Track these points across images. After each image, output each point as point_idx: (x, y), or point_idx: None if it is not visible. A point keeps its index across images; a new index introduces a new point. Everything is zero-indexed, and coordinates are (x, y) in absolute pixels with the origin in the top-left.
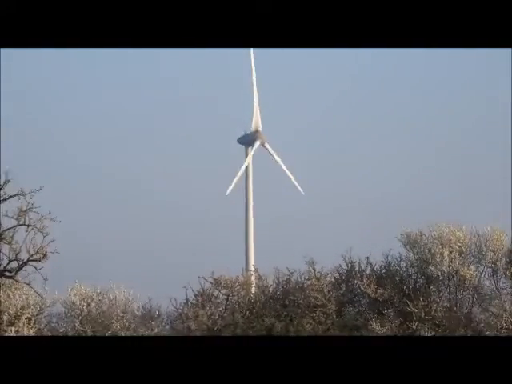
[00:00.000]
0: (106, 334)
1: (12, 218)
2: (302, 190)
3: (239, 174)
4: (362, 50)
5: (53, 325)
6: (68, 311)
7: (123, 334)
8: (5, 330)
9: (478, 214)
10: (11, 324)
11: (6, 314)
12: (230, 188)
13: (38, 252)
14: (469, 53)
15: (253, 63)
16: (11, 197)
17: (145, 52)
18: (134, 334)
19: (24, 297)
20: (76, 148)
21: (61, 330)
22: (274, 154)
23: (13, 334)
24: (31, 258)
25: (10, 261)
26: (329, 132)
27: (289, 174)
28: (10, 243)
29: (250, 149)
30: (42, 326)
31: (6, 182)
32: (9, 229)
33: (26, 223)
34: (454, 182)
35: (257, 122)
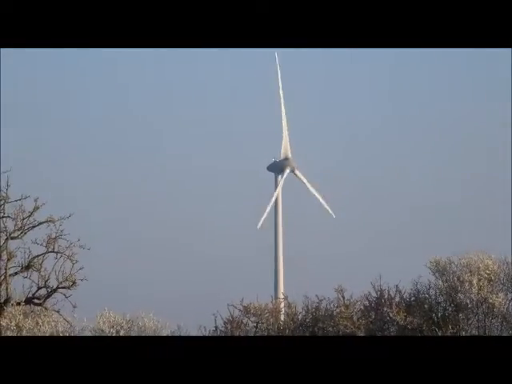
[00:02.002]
0: None
1: (41, 245)
2: (333, 214)
3: (270, 204)
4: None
5: None
6: None
7: None
8: None
9: (506, 242)
10: None
11: None
12: (262, 220)
13: (67, 279)
14: (469, 53)
15: (280, 87)
16: (41, 223)
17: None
18: None
19: (53, 324)
20: (103, 174)
21: None
22: (305, 181)
23: None
24: (60, 286)
25: (39, 288)
26: (358, 156)
27: (320, 199)
28: (38, 270)
29: (280, 177)
30: None
31: (36, 208)
32: (38, 256)
33: (55, 250)
34: (483, 210)
35: (286, 148)
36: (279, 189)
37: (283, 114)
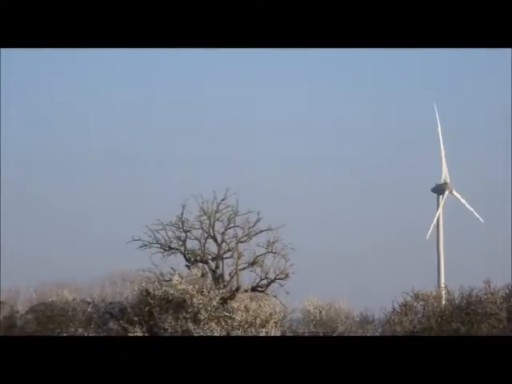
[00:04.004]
0: (334, 335)
1: (262, 247)
2: (482, 220)
3: (435, 219)
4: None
5: (293, 327)
6: (305, 317)
7: (346, 334)
8: (258, 331)
9: None
10: (262, 326)
11: (258, 318)
12: (429, 232)
13: (281, 273)
14: (469, 53)
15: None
16: (262, 231)
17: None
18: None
19: (272, 306)
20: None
21: (300, 331)
22: (463, 200)
23: (263, 334)
24: (277, 277)
25: (261, 279)
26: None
27: (475, 214)
28: (261, 266)
29: (441, 197)
30: (285, 328)
31: (258, 220)
32: (260, 255)
33: (273, 251)
34: None
35: (445, 173)
36: (441, 207)
37: (440, 137)
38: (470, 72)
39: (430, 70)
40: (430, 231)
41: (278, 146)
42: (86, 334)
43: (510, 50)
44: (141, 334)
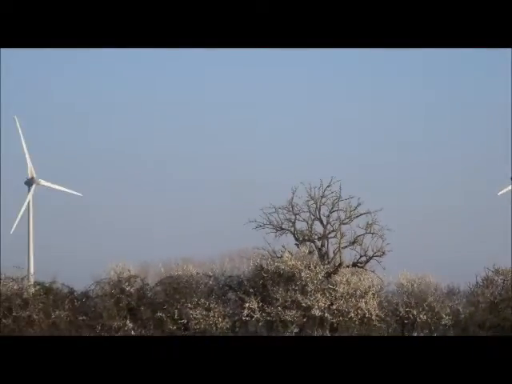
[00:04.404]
0: (425, 304)
1: (362, 228)
2: None
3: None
4: None
5: (389, 298)
6: (398, 289)
7: (434, 304)
8: (357, 301)
9: None
10: (362, 297)
11: (358, 290)
12: (502, 191)
13: (379, 251)
14: (469, 53)
15: None
16: (361, 214)
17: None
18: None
19: (370, 280)
20: None
21: (394, 301)
22: None
23: (363, 304)
24: (374, 255)
25: (361, 256)
26: None
27: None
28: (360, 245)
29: None
30: (382, 298)
31: (358, 204)
32: (360, 235)
33: (371, 232)
34: None
35: None
36: None
37: None
38: (470, 72)
39: (430, 70)
40: (503, 191)
41: (278, 145)
42: (207, 304)
43: (509, 49)
44: (256, 303)
